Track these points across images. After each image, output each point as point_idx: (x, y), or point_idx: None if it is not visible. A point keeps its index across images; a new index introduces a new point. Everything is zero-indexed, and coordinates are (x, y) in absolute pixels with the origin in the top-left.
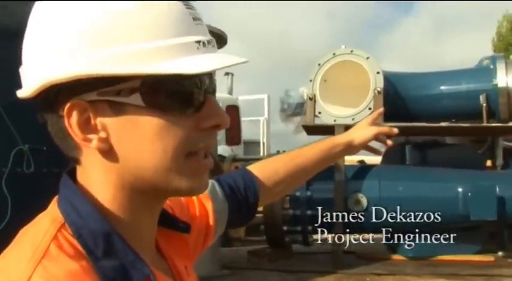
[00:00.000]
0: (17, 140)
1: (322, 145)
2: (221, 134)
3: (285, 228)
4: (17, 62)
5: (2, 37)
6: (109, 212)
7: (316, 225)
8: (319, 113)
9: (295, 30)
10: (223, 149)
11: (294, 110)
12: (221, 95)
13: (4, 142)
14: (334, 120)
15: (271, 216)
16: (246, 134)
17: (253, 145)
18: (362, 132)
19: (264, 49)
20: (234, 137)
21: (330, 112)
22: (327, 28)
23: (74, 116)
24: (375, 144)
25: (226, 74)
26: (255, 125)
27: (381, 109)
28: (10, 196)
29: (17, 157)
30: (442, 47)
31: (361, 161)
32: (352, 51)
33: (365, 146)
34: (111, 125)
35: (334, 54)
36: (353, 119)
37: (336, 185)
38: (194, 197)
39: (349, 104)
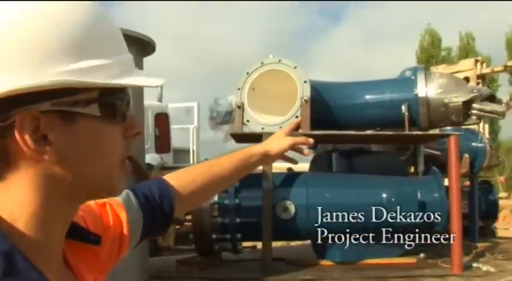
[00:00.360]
0: None
1: (239, 154)
2: (150, 142)
3: (214, 236)
4: None
5: None
6: (14, 230)
7: (245, 233)
8: (248, 121)
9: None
10: (151, 158)
11: (223, 118)
12: (150, 102)
13: None
14: (262, 129)
15: (200, 224)
16: (176, 142)
17: (183, 153)
18: (278, 142)
19: (197, 57)
20: (163, 145)
21: (258, 120)
22: (259, 37)
23: (26, 126)
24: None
25: None
26: (185, 133)
27: (298, 119)
28: None
29: None
30: (371, 56)
31: (290, 169)
32: (280, 60)
33: (281, 156)
34: (61, 135)
35: (262, 63)
36: (280, 127)
37: (264, 193)
38: (108, 207)
39: (277, 112)
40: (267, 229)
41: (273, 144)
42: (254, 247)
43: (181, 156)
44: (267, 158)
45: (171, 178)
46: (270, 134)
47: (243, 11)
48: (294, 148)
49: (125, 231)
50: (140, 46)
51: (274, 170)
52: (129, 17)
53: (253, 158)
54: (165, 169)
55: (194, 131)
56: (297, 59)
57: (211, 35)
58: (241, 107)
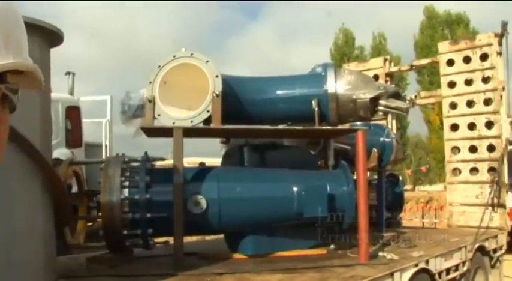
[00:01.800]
0: None
1: None
2: (60, 136)
3: (125, 232)
4: None
5: None
6: None
7: (156, 228)
8: (159, 115)
9: (142, 32)
10: (61, 152)
11: (135, 112)
12: (61, 95)
13: None
14: (173, 123)
15: (110, 220)
16: (89, 136)
17: (96, 147)
18: None
19: (111, 49)
20: (74, 139)
21: (169, 114)
22: (175, 31)
23: None
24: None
25: (68, 73)
26: (98, 127)
27: None
28: None
29: None
30: (288, 52)
31: (202, 163)
32: (192, 54)
33: None
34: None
35: (174, 56)
36: (192, 121)
37: (174, 187)
38: None
39: (188, 106)
40: (178, 224)
41: None
42: (167, 242)
43: (94, 151)
44: None
45: None
46: (180, 128)
47: (160, 4)
48: None
49: None
50: (45, 35)
51: (186, 165)
52: (42, 10)
53: None
54: (73, 163)
55: (107, 125)
56: (215, 54)
57: (127, 28)
58: (152, 101)
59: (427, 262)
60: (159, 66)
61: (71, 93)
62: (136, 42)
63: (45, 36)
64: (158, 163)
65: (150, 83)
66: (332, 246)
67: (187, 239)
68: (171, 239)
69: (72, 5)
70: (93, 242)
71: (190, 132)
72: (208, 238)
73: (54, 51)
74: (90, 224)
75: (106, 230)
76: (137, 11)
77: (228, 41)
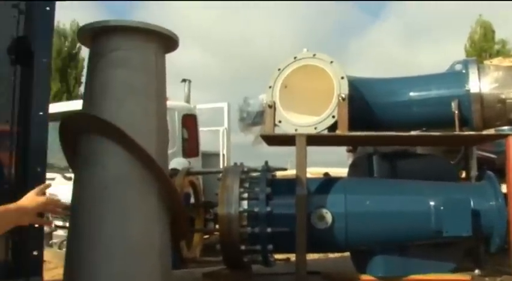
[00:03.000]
0: None
1: None
2: (177, 145)
3: (243, 247)
4: None
5: None
6: None
7: (277, 244)
8: (279, 121)
9: (259, 37)
10: (178, 162)
11: (254, 119)
12: (177, 103)
13: None
14: (296, 130)
15: (227, 234)
16: (206, 145)
17: (213, 157)
18: (32, 200)
19: (227, 56)
20: (191, 148)
21: (291, 121)
22: (292, 34)
23: None
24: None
25: (184, 80)
26: (215, 136)
27: (48, 183)
28: None
29: None
30: (414, 52)
31: (326, 174)
32: (314, 55)
33: (37, 212)
34: None
35: (295, 58)
36: (315, 128)
37: (297, 200)
38: None
39: (311, 111)
40: (301, 240)
41: (28, 201)
42: (287, 259)
43: (211, 160)
44: (23, 215)
45: None
46: (303, 135)
47: (276, 8)
48: (47, 208)
49: None
50: (160, 41)
51: (309, 175)
52: (154, 19)
53: (8, 212)
54: (190, 174)
55: (224, 133)
56: (335, 56)
57: (242, 34)
58: (272, 106)
59: None
60: (279, 69)
61: (187, 101)
62: (253, 48)
63: (160, 42)
64: (279, 174)
65: (270, 87)
66: (477, 271)
67: (309, 256)
68: (292, 256)
69: (185, 13)
70: (210, 256)
71: (314, 139)
72: (331, 255)
73: (169, 59)
74: (207, 236)
75: (223, 245)
76: (252, 16)
77: (348, 42)
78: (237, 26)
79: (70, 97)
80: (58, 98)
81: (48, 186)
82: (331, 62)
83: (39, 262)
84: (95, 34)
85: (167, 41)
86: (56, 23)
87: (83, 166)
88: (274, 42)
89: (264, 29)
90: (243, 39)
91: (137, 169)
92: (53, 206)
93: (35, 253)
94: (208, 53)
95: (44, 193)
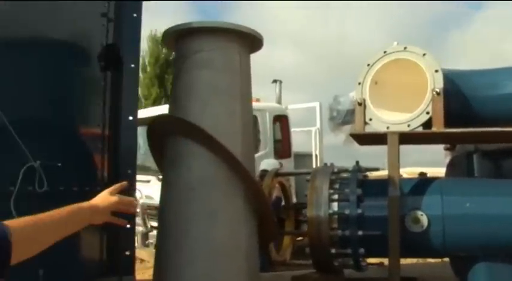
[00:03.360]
0: (27, 156)
1: (70, 207)
2: (269, 147)
3: (333, 251)
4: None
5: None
6: None
7: (368, 247)
8: (370, 119)
9: (353, 35)
10: (268, 163)
11: (344, 117)
12: (268, 104)
13: (12, 159)
14: (387, 127)
15: (317, 237)
16: (298, 146)
17: (305, 157)
18: (105, 199)
19: (319, 55)
20: (283, 149)
21: (381, 118)
22: (386, 31)
23: None
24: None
25: (275, 81)
26: (308, 136)
27: (124, 183)
28: (19, 216)
29: (28, 175)
30: None
31: (422, 173)
32: (405, 48)
33: (110, 211)
34: None
35: (385, 52)
36: (409, 125)
37: (389, 201)
38: None
39: (404, 108)
40: (393, 244)
41: (100, 200)
42: (381, 263)
43: (303, 161)
44: (95, 214)
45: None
46: (395, 133)
47: (368, 5)
48: (119, 208)
49: None
50: (244, 40)
51: (405, 176)
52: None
53: (82, 210)
54: (279, 175)
55: (317, 133)
56: (432, 50)
57: (334, 32)
58: (362, 103)
59: None
60: (368, 65)
61: (279, 101)
62: (347, 47)
63: (244, 42)
64: (372, 174)
65: (359, 83)
66: None
67: (407, 261)
68: (386, 261)
69: (278, 13)
70: (300, 259)
71: (407, 137)
72: (430, 260)
73: (261, 61)
74: (300, 239)
75: (312, 248)
76: (345, 15)
77: (447, 35)
78: (329, 25)
79: (168, 101)
80: (158, 103)
81: (123, 186)
82: (424, 54)
83: (131, 261)
84: (179, 37)
85: (251, 41)
86: (153, 31)
87: (170, 168)
88: (367, 39)
89: (357, 27)
90: (336, 38)
91: (222, 170)
92: (126, 206)
93: (127, 253)
94: (301, 53)
95: (120, 192)
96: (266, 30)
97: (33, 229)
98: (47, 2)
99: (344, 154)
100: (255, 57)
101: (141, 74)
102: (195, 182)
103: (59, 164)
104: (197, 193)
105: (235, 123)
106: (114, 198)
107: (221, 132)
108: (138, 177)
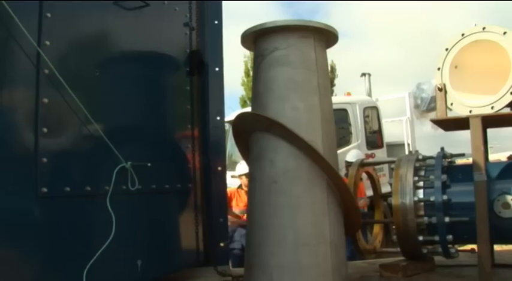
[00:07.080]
0: (118, 158)
1: None
2: (360, 138)
3: (420, 238)
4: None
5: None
6: None
7: (456, 234)
8: (451, 104)
9: (446, 28)
10: (352, 155)
11: (428, 105)
12: (359, 96)
13: (106, 160)
14: (470, 111)
15: (403, 225)
16: (390, 136)
17: (398, 147)
18: None
19: (412, 48)
20: (375, 140)
21: (463, 102)
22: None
23: None
24: None
25: (363, 74)
26: (399, 126)
27: None
28: (114, 213)
29: (120, 175)
30: None
31: (511, 157)
32: (484, 28)
33: None
34: None
35: (463, 35)
36: (492, 107)
37: (476, 187)
38: None
39: (486, 90)
40: (482, 230)
41: None
42: (473, 250)
43: (396, 151)
44: None
45: None
46: (478, 116)
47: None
48: None
49: None
50: (320, 36)
51: (492, 159)
52: (337, 13)
53: None
54: (365, 165)
55: (407, 123)
56: None
57: (427, 26)
58: (442, 89)
59: None
60: (447, 49)
61: (369, 94)
62: (439, 41)
63: (318, 37)
64: (459, 161)
65: (439, 69)
66: None
67: (503, 247)
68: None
69: (369, 6)
70: (390, 247)
71: (491, 120)
72: None
73: (351, 54)
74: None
75: (400, 236)
76: (438, 8)
77: None
78: (422, 19)
79: None
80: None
81: None
82: (505, 33)
83: (226, 252)
84: (256, 37)
85: (326, 36)
86: None
87: (254, 163)
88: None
89: (450, 20)
90: (429, 32)
91: (304, 163)
92: None
93: (221, 244)
94: (394, 46)
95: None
96: (356, 24)
97: None
98: (136, 17)
99: (437, 142)
100: (347, 53)
101: (245, 79)
102: (278, 175)
103: (148, 164)
104: (280, 185)
105: (315, 117)
106: None
107: (301, 126)
108: None
